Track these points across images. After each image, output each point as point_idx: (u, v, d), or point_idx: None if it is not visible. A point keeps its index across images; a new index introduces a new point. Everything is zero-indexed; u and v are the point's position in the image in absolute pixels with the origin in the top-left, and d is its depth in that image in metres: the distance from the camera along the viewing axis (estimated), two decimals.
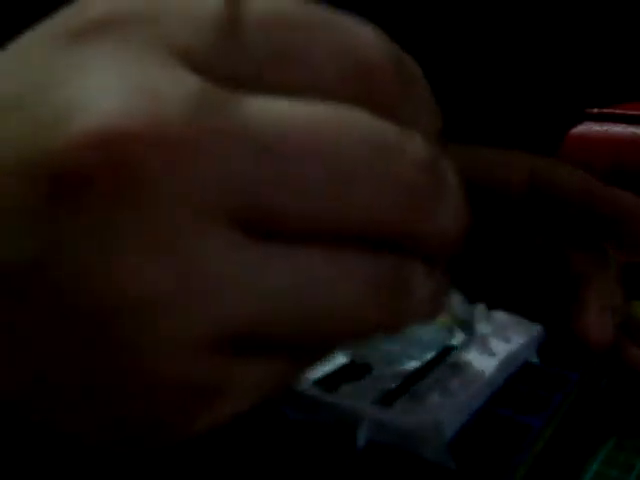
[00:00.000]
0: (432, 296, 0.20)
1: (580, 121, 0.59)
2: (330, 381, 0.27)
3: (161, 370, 0.16)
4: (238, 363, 0.18)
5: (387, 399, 0.26)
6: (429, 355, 0.30)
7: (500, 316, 0.33)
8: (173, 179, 0.15)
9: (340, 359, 0.29)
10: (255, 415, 0.27)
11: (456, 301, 0.31)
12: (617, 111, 0.58)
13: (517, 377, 0.30)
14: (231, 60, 0.16)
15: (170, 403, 0.17)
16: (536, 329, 0.33)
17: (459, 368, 0.28)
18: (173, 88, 0.15)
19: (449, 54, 0.66)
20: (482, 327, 0.31)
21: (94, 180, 0.15)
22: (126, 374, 0.16)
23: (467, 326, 0.32)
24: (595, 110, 0.58)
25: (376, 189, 0.17)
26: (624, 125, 0.58)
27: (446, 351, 0.30)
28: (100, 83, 0.15)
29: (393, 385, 0.27)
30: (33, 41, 0.17)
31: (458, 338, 0.31)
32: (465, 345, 0.31)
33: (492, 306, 0.33)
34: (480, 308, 0.33)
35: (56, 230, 0.15)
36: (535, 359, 0.32)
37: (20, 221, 0.15)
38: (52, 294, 0.15)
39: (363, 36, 0.18)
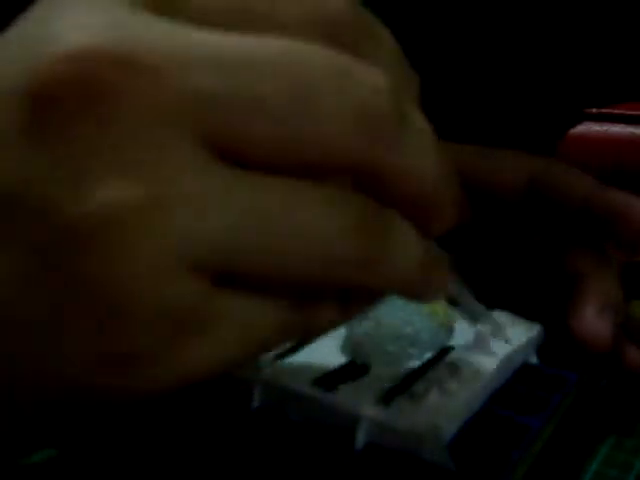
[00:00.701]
0: (421, 264, 0.20)
1: (579, 121, 0.58)
2: (328, 381, 0.27)
3: (136, 292, 0.16)
4: (219, 295, 0.18)
5: (386, 399, 0.26)
6: (428, 355, 0.30)
7: (499, 316, 0.33)
8: (138, 95, 0.16)
9: (339, 359, 0.29)
10: (253, 415, 0.27)
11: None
12: (616, 111, 0.58)
13: (516, 377, 0.30)
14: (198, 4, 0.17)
15: (148, 332, 0.17)
16: (535, 329, 0.33)
17: (458, 368, 0.28)
18: (136, 22, 0.16)
19: (449, 55, 0.66)
20: (481, 327, 0.31)
21: (63, 98, 0.15)
22: (100, 298, 0.16)
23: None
24: (594, 110, 0.58)
25: (336, 112, 0.17)
26: (623, 125, 0.58)
27: (445, 351, 0.30)
28: (75, 18, 0.16)
29: (392, 385, 0.27)
30: None
31: (457, 337, 0.31)
32: (465, 345, 0.31)
33: (491, 306, 0.33)
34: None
35: (33, 151, 0.16)
36: (534, 359, 0.32)
37: (5, 141, 0.16)
38: (32, 216, 0.16)
39: None
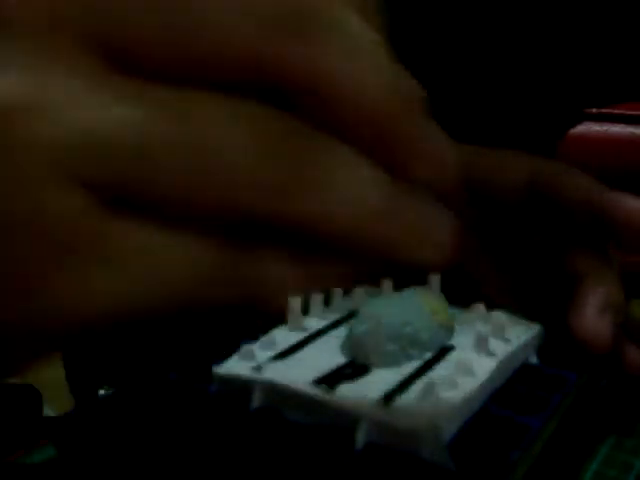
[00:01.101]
0: (376, 210, 0.18)
1: (579, 121, 0.58)
2: (328, 381, 0.27)
3: (11, 201, 0.15)
4: (112, 219, 0.16)
5: (386, 399, 0.26)
6: (428, 355, 0.30)
7: (499, 316, 0.33)
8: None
9: (339, 359, 0.29)
10: (253, 415, 0.27)
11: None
12: (616, 111, 0.58)
13: (516, 377, 0.30)
14: None
15: (29, 252, 0.15)
16: (535, 329, 0.33)
17: (458, 368, 0.28)
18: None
19: (449, 55, 0.66)
20: (481, 327, 0.31)
21: None
22: None
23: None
24: (594, 110, 0.58)
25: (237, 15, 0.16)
26: (623, 125, 0.58)
27: (445, 351, 0.30)
28: None
29: (392, 385, 0.27)
30: None
31: (458, 337, 0.31)
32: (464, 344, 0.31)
33: (491, 306, 0.33)
34: (479, 308, 0.33)
35: None
36: (534, 359, 0.32)
37: None
38: None
39: None
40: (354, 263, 0.19)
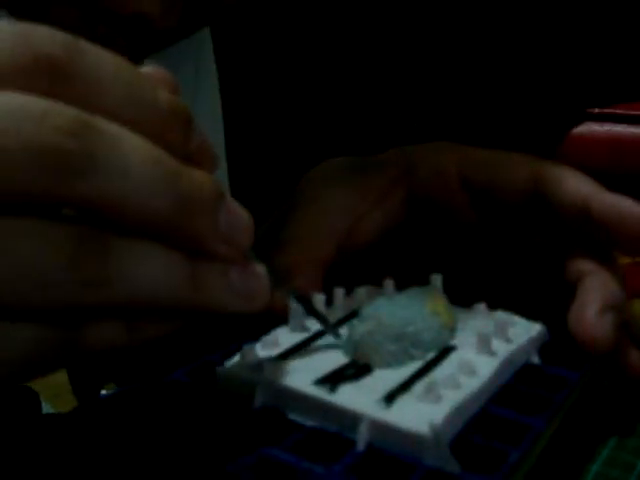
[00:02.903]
0: (187, 278, 0.22)
1: (581, 121, 0.58)
2: (330, 381, 0.27)
3: None
4: None
5: (388, 399, 0.26)
6: (430, 355, 0.30)
7: (501, 316, 0.33)
8: None
9: (340, 359, 0.29)
10: (254, 415, 0.27)
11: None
12: (618, 111, 0.58)
13: (518, 377, 0.30)
14: None
15: None
16: (537, 329, 0.33)
17: (460, 368, 0.28)
18: None
19: (451, 56, 0.66)
20: (483, 327, 0.31)
21: None
22: None
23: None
24: (596, 110, 0.58)
25: (16, 151, 0.19)
26: (624, 125, 0.58)
27: (447, 351, 0.30)
28: None
29: (394, 385, 0.27)
30: None
31: (459, 337, 0.31)
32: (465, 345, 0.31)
33: (493, 306, 0.33)
34: (481, 308, 0.33)
35: None
36: (536, 359, 0.32)
37: None
38: None
39: (38, 31, 0.21)
40: (171, 319, 0.24)
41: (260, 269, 0.25)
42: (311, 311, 0.31)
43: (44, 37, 0.21)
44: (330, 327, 0.31)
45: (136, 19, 0.32)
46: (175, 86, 0.24)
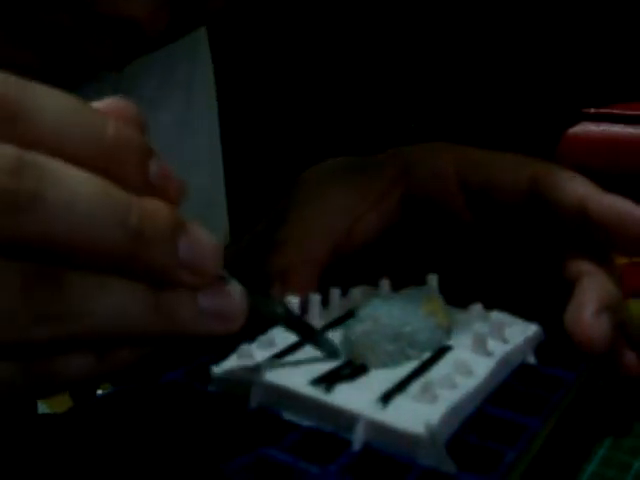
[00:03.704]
0: (153, 307, 0.22)
1: (577, 121, 0.59)
2: (326, 381, 0.27)
3: None
4: None
5: (384, 399, 0.26)
6: (426, 355, 0.30)
7: (497, 316, 0.33)
8: None
9: (336, 359, 0.29)
10: (251, 415, 0.27)
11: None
12: (615, 111, 0.58)
13: (514, 377, 0.30)
14: None
15: None
16: (533, 329, 0.33)
17: (455, 368, 0.28)
18: None
19: (450, 56, 0.66)
20: (479, 327, 0.31)
21: None
22: None
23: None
24: (593, 110, 0.58)
25: None
26: (622, 125, 0.58)
27: (443, 351, 0.30)
28: None
29: (390, 385, 0.27)
30: None
31: (455, 337, 0.31)
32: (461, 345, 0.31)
33: (489, 306, 0.33)
34: (477, 308, 0.33)
35: None
36: (532, 359, 0.32)
37: None
38: None
39: None
40: (144, 346, 0.24)
41: (234, 289, 0.24)
42: (300, 330, 0.30)
43: None
44: (322, 343, 0.30)
45: (125, 23, 0.32)
46: (134, 118, 0.24)
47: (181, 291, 0.23)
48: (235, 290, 0.24)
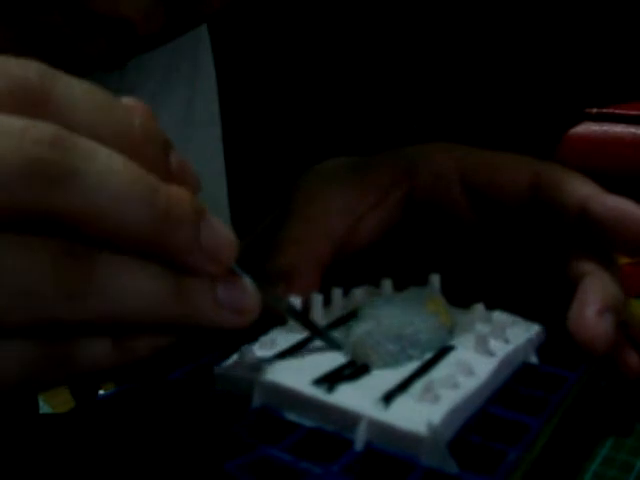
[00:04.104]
0: (170, 294, 0.23)
1: (580, 121, 0.58)
2: (328, 381, 0.27)
3: None
4: None
5: (386, 399, 0.26)
6: (428, 355, 0.30)
7: (499, 316, 0.33)
8: None
9: (339, 359, 0.29)
10: (253, 415, 0.27)
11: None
12: (617, 111, 0.58)
13: (516, 377, 0.30)
14: None
15: None
16: (535, 329, 0.33)
17: (457, 368, 0.28)
18: None
19: (451, 56, 0.66)
20: (481, 327, 0.31)
21: None
22: None
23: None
24: (594, 110, 0.58)
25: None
26: (624, 125, 0.58)
27: (445, 351, 0.30)
28: None
29: (391, 385, 0.27)
30: None
31: (457, 337, 0.31)
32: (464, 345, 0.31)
33: (491, 306, 0.33)
34: (479, 308, 0.33)
35: None
36: (534, 359, 0.32)
37: None
38: None
39: (12, 62, 0.22)
40: (160, 335, 0.24)
41: (248, 283, 0.25)
42: (305, 323, 0.31)
43: (18, 67, 0.22)
44: (325, 336, 0.31)
45: (119, 23, 0.32)
46: (151, 115, 0.25)
47: (201, 279, 0.24)
48: (249, 285, 0.25)
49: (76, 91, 0.22)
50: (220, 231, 0.24)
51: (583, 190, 0.34)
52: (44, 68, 0.22)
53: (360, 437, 0.26)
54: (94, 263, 0.21)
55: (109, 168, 0.21)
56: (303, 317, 0.31)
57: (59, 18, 0.32)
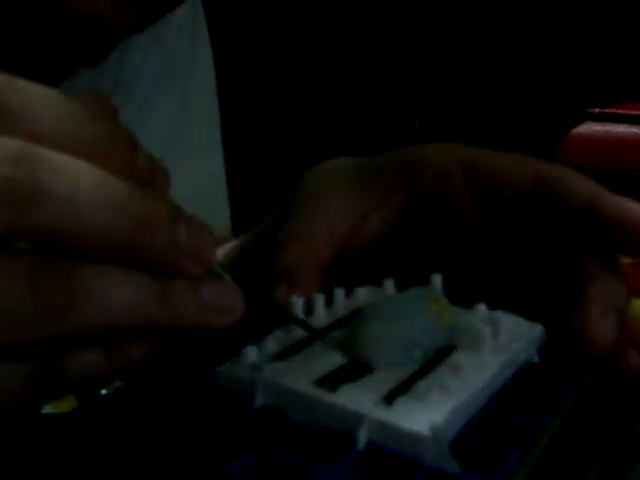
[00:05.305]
0: (156, 296, 0.23)
1: (581, 121, 0.58)
2: (330, 381, 0.27)
3: None
4: None
5: (388, 399, 0.26)
6: (430, 355, 0.30)
7: (501, 316, 0.33)
8: None
9: (341, 359, 0.29)
10: (255, 415, 0.27)
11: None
12: (619, 111, 0.58)
13: (518, 377, 0.30)
14: None
15: None
16: (537, 329, 0.33)
17: (460, 368, 0.28)
18: None
19: (452, 56, 0.66)
20: (483, 327, 0.31)
21: None
22: None
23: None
24: (597, 110, 0.58)
25: None
26: (626, 125, 0.58)
27: (447, 351, 0.30)
28: None
29: (394, 385, 0.27)
30: None
31: (459, 337, 0.31)
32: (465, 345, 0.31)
33: (493, 306, 0.33)
34: (481, 308, 0.33)
35: None
36: (536, 359, 0.32)
37: None
38: None
39: None
40: (150, 339, 0.24)
41: (230, 282, 0.25)
42: (291, 318, 0.31)
43: None
44: (313, 331, 0.31)
45: (93, 19, 0.32)
46: (114, 111, 0.24)
47: (183, 281, 0.23)
48: (231, 283, 0.25)
49: (36, 99, 0.22)
50: (199, 230, 0.23)
51: (587, 190, 0.34)
52: (4, 78, 0.22)
53: (362, 437, 0.26)
54: (73, 276, 0.21)
55: (77, 179, 0.21)
56: (285, 312, 0.31)
57: (34, 20, 0.33)
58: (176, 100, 0.54)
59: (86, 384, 0.23)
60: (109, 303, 0.22)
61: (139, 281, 0.22)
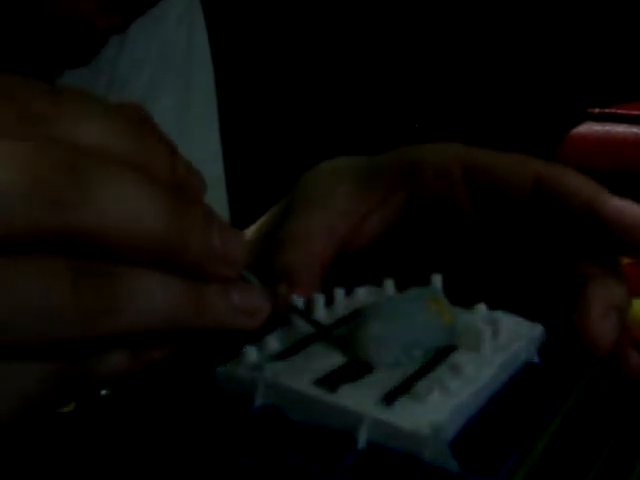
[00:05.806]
0: (189, 299, 0.23)
1: (581, 121, 0.58)
2: (330, 381, 0.27)
3: None
4: None
5: (388, 399, 0.26)
6: (430, 355, 0.30)
7: (501, 316, 0.33)
8: None
9: (341, 359, 0.29)
10: (254, 415, 0.27)
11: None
12: (619, 111, 0.58)
13: (518, 377, 0.30)
14: None
15: None
16: (537, 329, 0.33)
17: (460, 368, 0.28)
18: None
19: (452, 56, 0.66)
20: (483, 327, 0.31)
21: None
22: None
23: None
24: (597, 110, 0.58)
25: (10, 191, 0.20)
26: (626, 125, 0.58)
27: (447, 351, 0.30)
28: None
29: (394, 385, 0.27)
30: None
31: (459, 337, 0.31)
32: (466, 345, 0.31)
33: (493, 306, 0.33)
34: (481, 308, 0.33)
35: None
36: (536, 359, 0.32)
37: None
38: None
39: (16, 80, 0.22)
40: (176, 341, 0.25)
41: (257, 284, 0.25)
42: (302, 315, 0.31)
43: (23, 88, 0.22)
44: (322, 329, 0.31)
45: (76, 22, 0.33)
46: (150, 118, 0.25)
47: (216, 286, 0.24)
48: (258, 285, 0.25)
49: (84, 108, 0.23)
50: (231, 235, 0.24)
51: (587, 190, 0.34)
52: (47, 88, 0.22)
53: (362, 437, 0.26)
54: (116, 279, 0.22)
55: (124, 187, 0.22)
56: (305, 314, 0.31)
57: (20, 24, 0.33)
58: (175, 94, 0.54)
59: (104, 385, 0.24)
60: (150, 306, 0.22)
61: (176, 285, 0.23)
